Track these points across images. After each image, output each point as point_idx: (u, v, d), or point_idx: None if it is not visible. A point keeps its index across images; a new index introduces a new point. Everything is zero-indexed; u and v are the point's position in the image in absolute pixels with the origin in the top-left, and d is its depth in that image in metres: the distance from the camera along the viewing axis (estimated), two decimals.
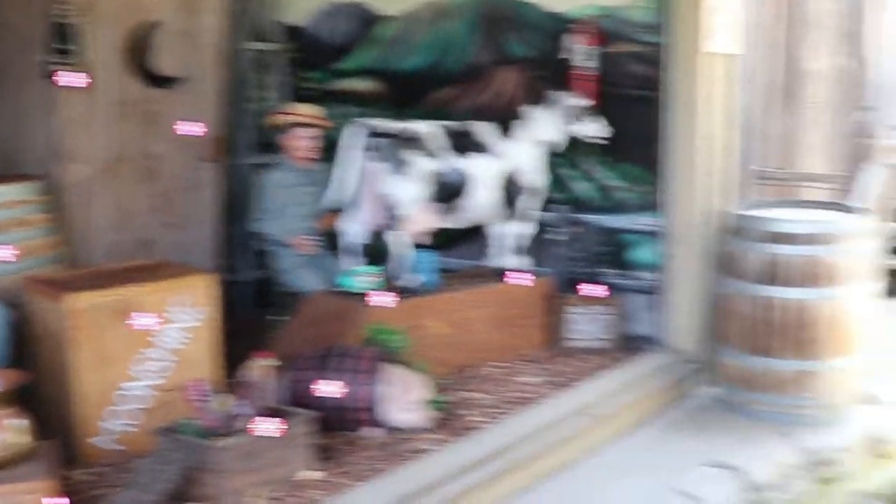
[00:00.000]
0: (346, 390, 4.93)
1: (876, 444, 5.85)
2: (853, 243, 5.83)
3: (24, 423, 4.18)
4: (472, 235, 6.56)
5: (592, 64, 6.50)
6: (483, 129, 6.23)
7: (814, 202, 6.75)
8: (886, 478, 5.50)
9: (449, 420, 5.18)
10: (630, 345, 6.40)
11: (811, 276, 5.70)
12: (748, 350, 5.87)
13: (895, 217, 8.85)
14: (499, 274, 6.31)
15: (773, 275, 5.74)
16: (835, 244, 5.75)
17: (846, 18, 9.02)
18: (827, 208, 6.38)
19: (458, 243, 6.76)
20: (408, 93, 7.23)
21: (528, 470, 4.86)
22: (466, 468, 4.60)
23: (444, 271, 6.19)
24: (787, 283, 5.71)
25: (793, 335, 5.74)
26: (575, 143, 6.38)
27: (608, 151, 6.44)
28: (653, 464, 5.22)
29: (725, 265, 5.99)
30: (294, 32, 7.70)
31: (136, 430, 4.71)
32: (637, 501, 4.81)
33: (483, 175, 6.11)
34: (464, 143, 6.11)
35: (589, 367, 6.06)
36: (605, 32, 6.51)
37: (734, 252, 5.92)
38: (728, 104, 6.32)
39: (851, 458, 5.63)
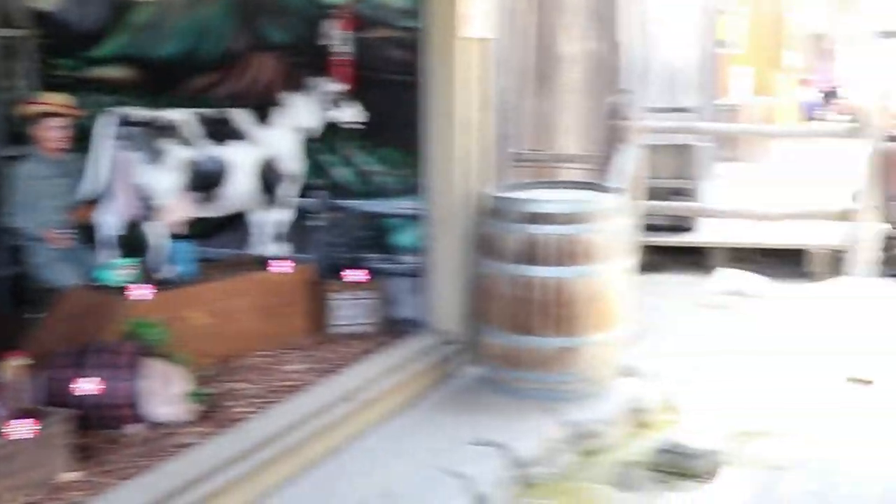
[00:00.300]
0: (105, 387, 4.80)
1: (636, 414, 6.04)
2: (609, 222, 5.98)
3: None
4: (232, 224, 6.47)
5: (349, 49, 6.48)
6: (240, 116, 6.14)
7: (570, 182, 6.91)
8: (646, 446, 5.68)
9: (213, 412, 5.10)
10: (394, 328, 6.41)
11: (569, 254, 5.82)
12: (510, 329, 5.96)
13: (649, 195, 9.17)
14: (260, 262, 6.24)
15: (531, 255, 5.84)
16: (591, 223, 5.88)
17: (598, 3, 9.26)
18: (583, 188, 6.54)
19: (217, 232, 6.65)
20: (163, 80, 7.06)
21: (295, 459, 4.83)
22: (232, 460, 4.54)
23: (204, 261, 6.08)
24: (546, 262, 5.82)
25: (553, 313, 5.86)
26: (334, 129, 6.36)
27: (367, 136, 6.44)
28: (419, 445, 5.25)
29: (485, 246, 6.07)
30: (43, 18, 7.42)
31: None
32: (404, 483, 4.82)
33: (241, 162, 6.02)
34: (221, 131, 6.01)
35: (354, 352, 6.04)
36: (362, 17, 6.49)
37: (493, 233, 6.00)
38: (484, 88, 6.39)
39: (613, 429, 5.80)
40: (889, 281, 8.50)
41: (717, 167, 13.96)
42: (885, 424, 5.90)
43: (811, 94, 26.24)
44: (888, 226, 8.41)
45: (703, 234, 10.24)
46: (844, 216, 9.30)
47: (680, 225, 10.17)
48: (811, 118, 24.82)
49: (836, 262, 9.27)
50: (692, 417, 6.19)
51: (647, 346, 6.90)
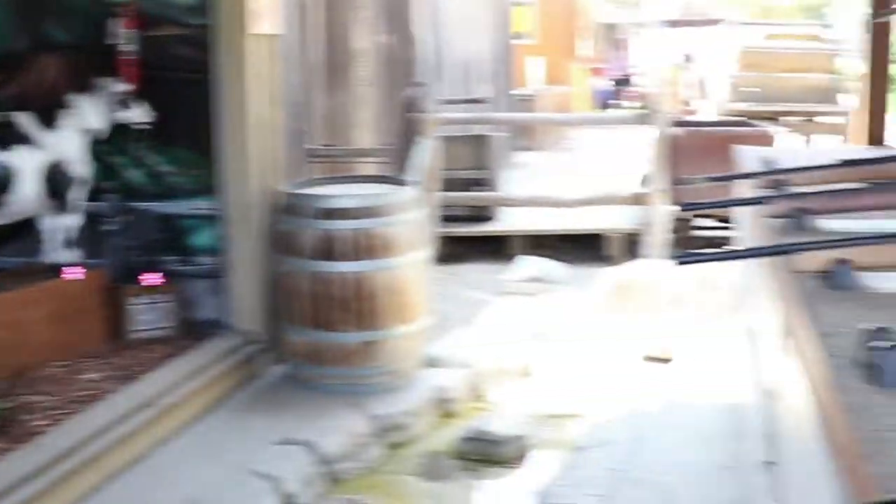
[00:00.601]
0: None
1: (442, 404, 6.09)
2: (405, 214, 6.01)
3: None
4: (21, 231, 6.26)
5: (136, 48, 6.34)
6: (24, 120, 5.95)
7: (366, 177, 6.91)
8: (453, 435, 5.74)
9: (8, 427, 4.93)
10: (196, 330, 6.31)
11: (366, 248, 5.82)
12: (312, 326, 5.93)
13: (447, 187, 9.24)
14: (52, 269, 6.06)
15: (329, 250, 5.82)
16: (387, 216, 5.90)
17: None
18: (379, 182, 6.55)
19: (5, 241, 6.43)
20: None
21: (97, 470, 4.72)
22: (30, 476, 4.40)
23: None
24: (344, 257, 5.81)
25: (353, 307, 5.86)
26: (123, 130, 6.22)
27: (158, 136, 6.32)
28: (225, 448, 5.19)
29: (283, 244, 6.03)
30: None
31: None
32: (211, 487, 4.76)
33: (26, 168, 5.83)
34: (4, 136, 5.81)
35: (154, 357, 5.92)
36: (147, 15, 6.36)
37: (290, 230, 5.96)
38: (275, 84, 6.34)
39: (420, 420, 5.84)
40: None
41: (514, 156, 14.22)
42: (682, 401, 6.08)
43: (604, 82, 26.92)
44: (677, 208, 8.67)
45: (503, 223, 10.38)
46: (637, 200, 9.56)
47: (480, 215, 10.29)
48: (605, 106, 25.46)
49: (631, 245, 9.53)
50: (498, 404, 6.28)
51: (451, 335, 6.96)
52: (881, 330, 1.65)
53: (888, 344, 1.62)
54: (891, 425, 1.48)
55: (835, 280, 2.17)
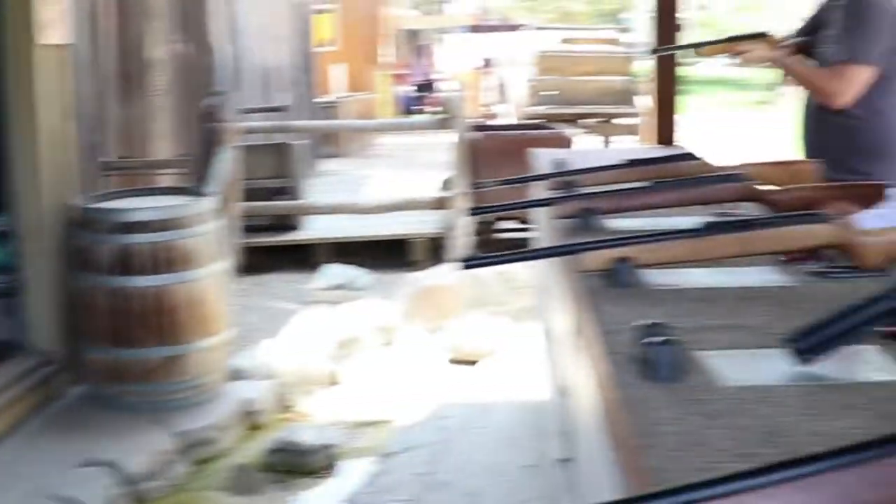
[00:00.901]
0: None
1: (249, 417, 6.03)
2: (204, 226, 5.93)
3: None
4: None
5: None
6: None
7: (164, 188, 6.80)
8: (260, 448, 5.69)
9: None
10: None
11: (165, 261, 5.72)
12: (112, 343, 5.79)
13: (249, 196, 9.15)
14: None
15: (127, 264, 5.69)
16: (186, 228, 5.81)
17: (185, 4, 9.15)
18: (177, 193, 6.45)
19: None
20: None
21: None
22: None
23: None
24: (142, 271, 5.69)
25: (154, 322, 5.74)
26: None
27: None
28: (23, 473, 5.03)
29: (80, 259, 5.87)
30: None
31: None
32: None
33: None
34: None
35: None
36: None
37: (86, 246, 5.81)
38: (67, 96, 6.18)
39: (227, 434, 5.77)
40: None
41: (319, 164, 14.18)
42: (487, 402, 6.16)
43: (407, 88, 27.08)
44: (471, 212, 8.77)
45: (307, 232, 10.32)
46: (439, 204, 9.64)
47: (283, 224, 10.20)
48: (408, 112, 25.60)
49: (435, 249, 9.59)
50: (306, 414, 6.26)
51: (257, 347, 6.90)
52: (655, 325, 1.70)
53: (661, 339, 1.67)
54: (665, 419, 1.52)
55: (617, 278, 2.23)
